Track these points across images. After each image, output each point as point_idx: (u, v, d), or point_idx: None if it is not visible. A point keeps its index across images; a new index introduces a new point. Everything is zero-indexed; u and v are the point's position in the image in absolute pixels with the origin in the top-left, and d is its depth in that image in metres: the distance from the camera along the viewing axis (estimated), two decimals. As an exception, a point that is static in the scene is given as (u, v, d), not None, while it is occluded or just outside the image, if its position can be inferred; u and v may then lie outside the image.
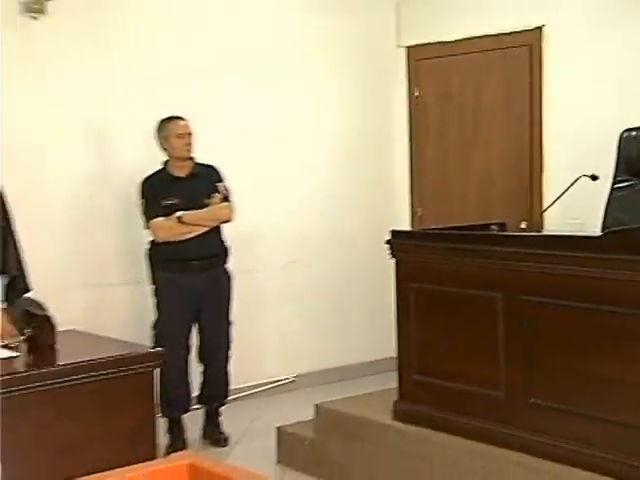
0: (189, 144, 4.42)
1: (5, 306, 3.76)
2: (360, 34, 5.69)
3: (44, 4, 4.55)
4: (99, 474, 1.20)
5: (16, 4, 4.54)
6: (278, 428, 4.35)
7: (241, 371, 4.90)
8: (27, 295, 3.91)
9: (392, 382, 4.17)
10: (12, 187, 4.09)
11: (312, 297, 5.63)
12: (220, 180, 4.48)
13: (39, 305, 3.88)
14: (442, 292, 3.58)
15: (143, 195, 4.43)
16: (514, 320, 3.30)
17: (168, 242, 4.42)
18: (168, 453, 4.39)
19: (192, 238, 4.39)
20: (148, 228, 4.45)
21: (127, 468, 1.18)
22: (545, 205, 4.86)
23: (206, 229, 4.43)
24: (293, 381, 5.56)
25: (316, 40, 5.52)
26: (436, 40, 5.64)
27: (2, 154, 4.48)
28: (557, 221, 4.53)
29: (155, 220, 4.38)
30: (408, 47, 5.81)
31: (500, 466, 3.31)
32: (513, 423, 3.33)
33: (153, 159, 4.54)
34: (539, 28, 5.17)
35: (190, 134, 4.43)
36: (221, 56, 5.16)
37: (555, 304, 3.16)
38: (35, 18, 4.57)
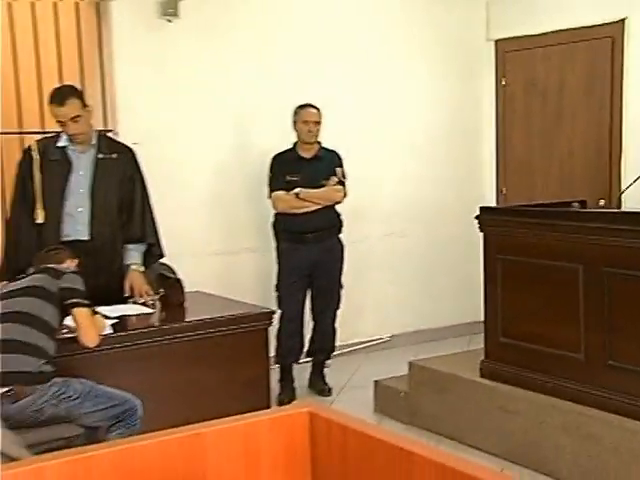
0: (312, 131, 4.39)
1: (143, 269, 3.91)
2: (453, 29, 5.67)
3: (177, 7, 4.59)
4: (225, 418, 1.19)
5: (153, 7, 4.58)
6: (375, 381, 4.34)
7: (344, 330, 4.90)
8: (161, 260, 4.01)
9: (477, 344, 4.16)
10: (156, 169, 4.23)
11: (406, 266, 5.59)
12: (339, 165, 4.46)
13: (171, 269, 4.05)
14: (527, 263, 3.52)
15: (271, 169, 4.45)
16: (594, 289, 3.25)
17: (288, 215, 4.44)
18: (280, 400, 4.45)
19: (309, 213, 4.40)
20: (270, 198, 4.47)
21: (252, 414, 1.17)
22: (623, 186, 4.74)
23: (319, 207, 4.44)
24: (388, 340, 5.54)
25: (415, 35, 5.53)
26: (523, 34, 5.55)
27: (175, 141, 4.65)
28: (634, 202, 4.33)
29: (276, 192, 4.40)
30: (497, 40, 5.75)
31: (579, 420, 3.27)
32: (591, 382, 3.28)
33: (285, 142, 4.54)
34: (622, 21, 5.01)
35: (316, 122, 4.40)
36: (341, 53, 5.19)
37: (632, 275, 3.10)
38: (170, 21, 4.59)
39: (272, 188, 4.45)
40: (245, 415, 1.20)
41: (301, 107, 4.45)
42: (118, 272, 3.85)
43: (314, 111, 4.42)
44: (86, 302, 3.13)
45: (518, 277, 3.56)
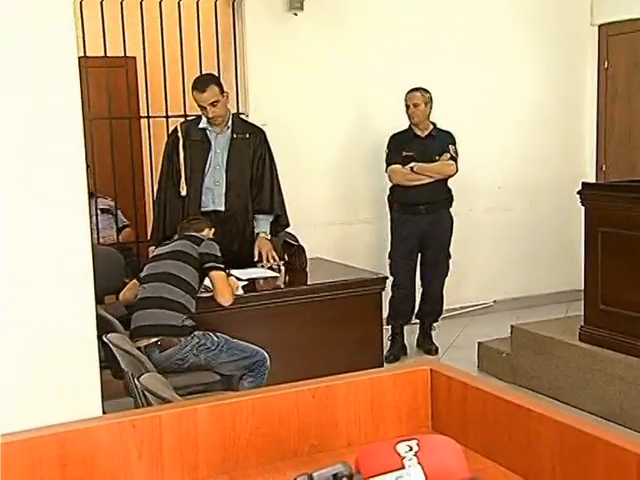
0: (414, 112, 4.34)
1: (270, 237, 3.93)
2: (558, 15, 5.46)
3: (303, 1, 4.61)
4: (353, 373, 1.19)
5: (281, 3, 4.62)
6: (479, 343, 4.27)
7: (450, 295, 4.79)
8: (286, 229, 4.02)
9: (575, 310, 4.08)
10: (283, 147, 4.17)
11: (509, 237, 5.44)
12: (452, 144, 4.37)
13: (294, 237, 4.06)
14: (626, 236, 3.39)
15: (388, 146, 4.42)
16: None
17: (403, 188, 4.39)
18: (389, 356, 4.38)
19: (422, 185, 4.34)
20: (386, 172, 4.45)
21: (377, 370, 1.17)
22: None
23: (431, 180, 4.37)
24: (491, 305, 5.42)
25: (520, 20, 5.36)
26: (626, 18, 5.25)
27: (300, 122, 4.70)
28: None
29: (393, 166, 4.37)
30: (600, 25, 5.49)
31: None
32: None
33: (402, 123, 4.50)
34: None
35: (418, 104, 4.32)
36: (452, 39, 5.11)
37: None
38: (295, 14, 4.62)
39: (389, 162, 4.41)
40: (371, 370, 1.20)
41: (408, 91, 4.39)
42: (249, 239, 3.89)
43: (417, 94, 4.33)
44: (222, 266, 3.17)
45: (618, 249, 3.44)
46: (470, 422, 1.12)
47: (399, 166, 4.35)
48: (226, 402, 1.12)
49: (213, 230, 3.47)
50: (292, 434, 1.12)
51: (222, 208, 3.83)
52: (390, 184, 4.48)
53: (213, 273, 3.14)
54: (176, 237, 3.40)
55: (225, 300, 3.15)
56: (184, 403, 1.22)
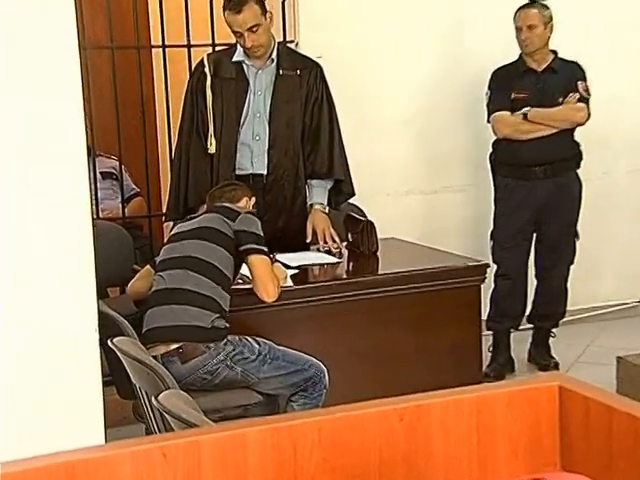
0: (527, 38, 4.28)
1: (328, 210, 4.00)
2: None
3: None
4: (452, 389, 1.22)
5: None
6: (618, 358, 4.14)
7: (576, 291, 4.72)
8: (350, 200, 4.14)
9: None
10: (343, 89, 4.22)
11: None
12: (581, 80, 4.32)
13: (361, 211, 4.16)
14: None
15: (490, 86, 4.39)
16: None
17: (513, 143, 4.35)
18: (489, 373, 4.40)
19: (539, 139, 4.27)
20: (488, 121, 4.43)
21: (484, 386, 1.23)
22: None
23: (553, 131, 4.29)
24: (635, 306, 5.32)
25: None
26: None
27: (365, 55, 4.72)
28: None
29: (498, 113, 4.33)
30: None
31: None
32: None
33: (510, 53, 4.45)
34: None
35: (532, 26, 4.27)
36: None
37: None
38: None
39: (493, 109, 4.36)
40: (476, 387, 1.23)
41: (520, 8, 4.33)
42: (300, 213, 3.97)
43: (533, 12, 4.27)
44: (264, 249, 3.22)
45: None
46: (616, 459, 1.12)
47: (507, 113, 4.31)
48: (284, 425, 1.13)
49: (253, 200, 3.54)
50: (372, 469, 1.14)
51: (263, 171, 3.89)
52: (494, 138, 4.45)
53: (253, 258, 3.20)
54: (203, 210, 3.48)
55: (268, 294, 3.20)
56: (229, 426, 1.24)
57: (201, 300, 3.09)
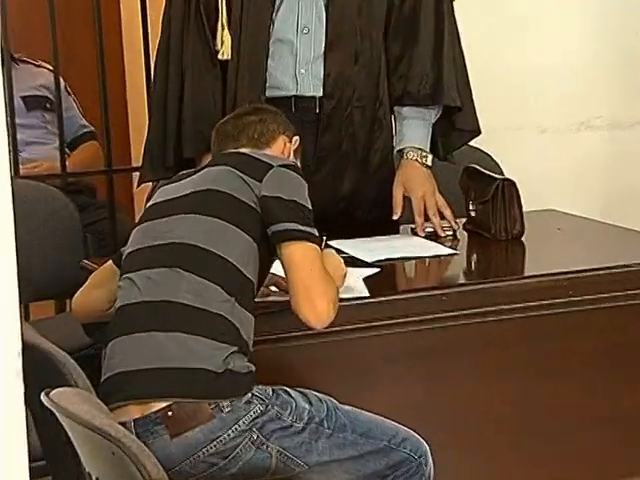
0: None
1: (431, 162, 4.02)
2: None
3: None
4: None
5: None
6: None
7: None
8: (472, 143, 4.28)
9: None
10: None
11: None
12: None
13: (494, 163, 4.39)
14: None
15: None
16: None
17: None
18: None
19: None
20: None
21: None
22: None
23: None
24: None
25: None
26: None
27: None
28: None
29: None
30: None
31: None
32: None
33: None
34: None
35: None
36: None
37: None
38: None
39: None
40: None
41: None
42: (380, 167, 4.01)
43: None
44: (312, 231, 3.12)
45: None
46: None
47: None
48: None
49: (296, 143, 3.48)
50: None
51: (317, 91, 3.91)
52: None
53: (292, 248, 3.08)
54: (208, 161, 3.45)
55: (317, 313, 3.04)
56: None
57: (204, 322, 2.98)
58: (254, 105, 3.66)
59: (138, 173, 4.35)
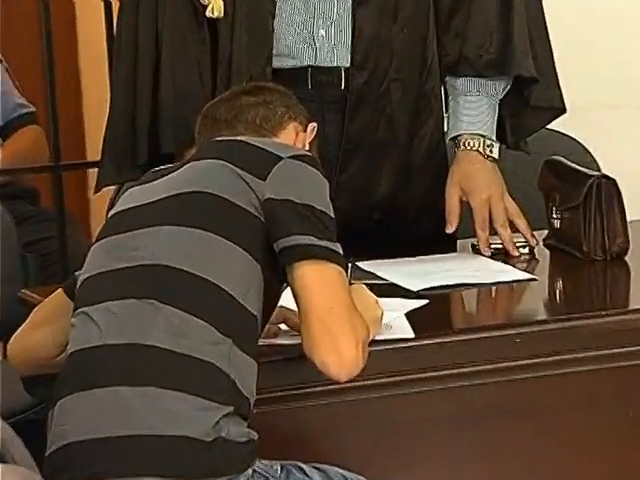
0: None
1: (497, 154, 4.00)
2: None
3: None
4: None
5: None
6: None
7: None
8: (553, 127, 4.38)
9: None
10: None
11: None
12: None
13: (588, 154, 4.58)
14: None
15: None
16: None
17: None
18: None
19: None
20: None
21: None
22: None
23: None
24: None
25: None
26: None
27: None
28: None
29: None
30: None
31: None
32: None
33: None
34: None
35: None
36: None
37: None
38: None
39: None
40: None
41: None
42: (427, 163, 4.00)
43: None
44: (334, 247, 2.99)
45: None
46: None
47: None
48: None
49: (312, 131, 3.44)
50: None
51: (342, 61, 3.89)
52: None
53: (307, 270, 2.95)
54: (195, 153, 3.34)
55: (342, 361, 2.90)
56: None
57: (188, 373, 2.89)
58: (255, 83, 3.63)
59: (96, 171, 4.25)
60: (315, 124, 3.43)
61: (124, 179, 3.79)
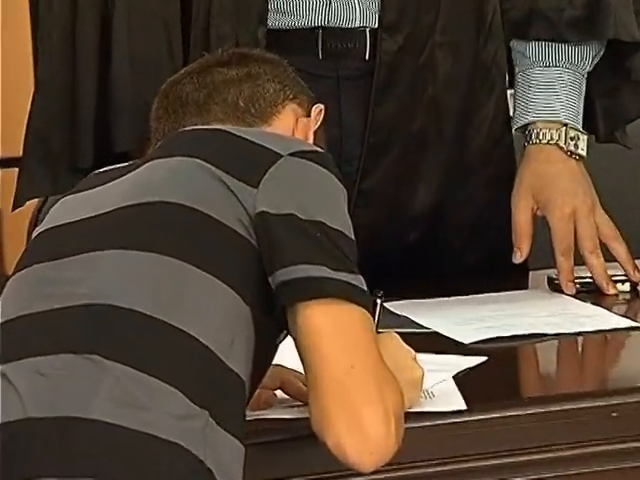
0: None
1: (583, 151, 3.99)
2: None
3: None
4: None
5: None
6: None
7: None
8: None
9: None
10: None
11: None
12: None
13: None
14: None
15: None
16: None
17: None
18: None
19: None
20: None
21: None
22: None
23: None
24: None
25: None
26: None
27: None
28: None
29: None
30: None
31: None
32: None
33: None
34: None
35: None
36: None
37: None
38: None
39: None
40: None
41: None
42: (485, 160, 4.03)
43: None
44: (355, 282, 2.85)
45: None
46: None
47: None
48: None
49: (318, 115, 3.41)
50: None
51: (364, 20, 3.85)
52: None
53: (316, 310, 2.81)
54: (155, 145, 3.32)
55: (367, 440, 2.72)
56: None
57: (144, 459, 2.75)
58: (237, 49, 3.57)
59: (16, 172, 4.12)
60: (322, 105, 3.35)
61: (60, 189, 3.58)
